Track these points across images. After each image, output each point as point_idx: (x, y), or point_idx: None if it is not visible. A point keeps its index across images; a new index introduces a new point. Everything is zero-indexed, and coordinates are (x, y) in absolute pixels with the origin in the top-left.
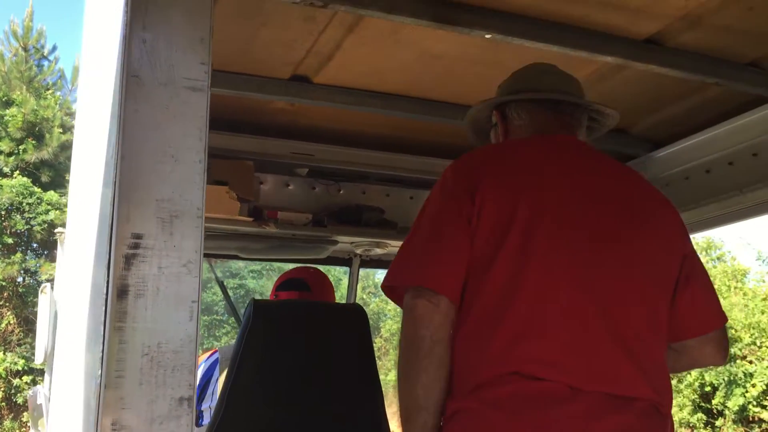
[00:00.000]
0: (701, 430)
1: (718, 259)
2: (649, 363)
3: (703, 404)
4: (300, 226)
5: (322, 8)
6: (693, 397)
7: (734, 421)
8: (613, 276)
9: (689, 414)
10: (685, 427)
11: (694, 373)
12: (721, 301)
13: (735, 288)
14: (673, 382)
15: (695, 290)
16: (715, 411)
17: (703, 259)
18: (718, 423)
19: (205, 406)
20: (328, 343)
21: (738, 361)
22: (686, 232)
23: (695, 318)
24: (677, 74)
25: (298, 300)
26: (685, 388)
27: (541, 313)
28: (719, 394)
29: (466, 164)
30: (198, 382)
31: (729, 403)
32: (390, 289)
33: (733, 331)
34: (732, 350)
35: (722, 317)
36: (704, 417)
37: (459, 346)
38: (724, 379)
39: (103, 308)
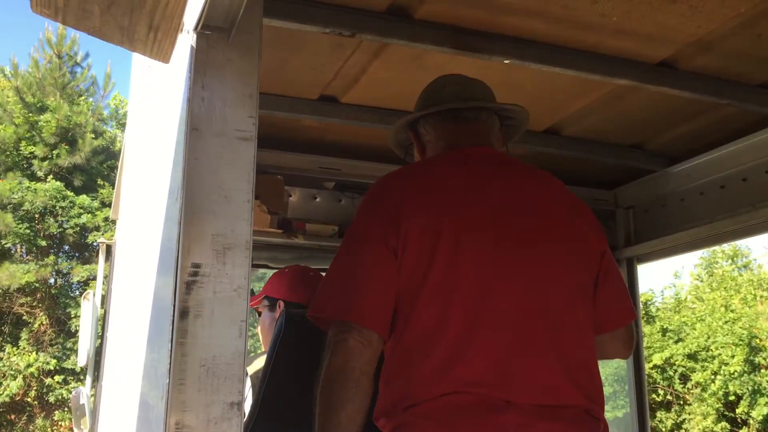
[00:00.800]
0: None
1: (745, 267)
2: (580, 369)
3: (727, 413)
4: (326, 237)
5: (350, 37)
6: (717, 406)
7: (758, 431)
8: (542, 286)
9: (713, 423)
10: None
11: (719, 382)
12: (747, 310)
13: (761, 297)
14: (697, 391)
15: (611, 288)
16: (739, 420)
17: (728, 268)
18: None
19: None
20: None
21: (762, 371)
22: (602, 232)
23: (610, 314)
24: (690, 96)
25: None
26: (709, 397)
27: (472, 336)
28: (743, 403)
29: (386, 190)
30: None
31: (753, 413)
32: (315, 317)
33: (757, 341)
34: (756, 359)
35: (632, 313)
36: (728, 426)
37: (392, 369)
38: (748, 389)
39: (170, 327)
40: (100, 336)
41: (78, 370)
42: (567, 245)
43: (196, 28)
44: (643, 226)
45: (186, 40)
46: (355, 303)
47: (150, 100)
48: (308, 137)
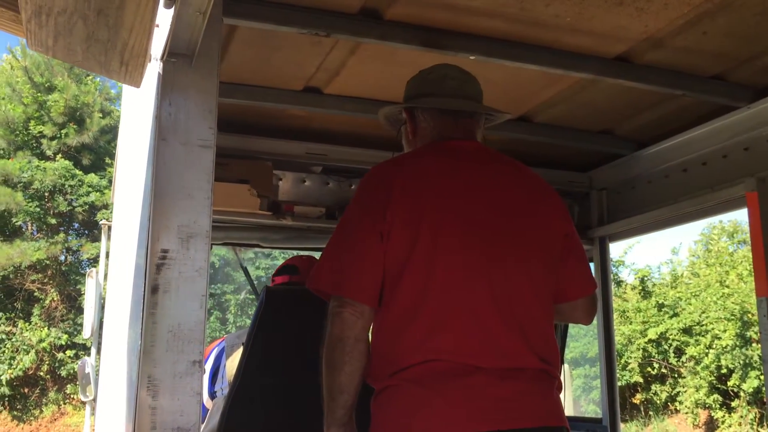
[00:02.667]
0: (717, 410)
1: (743, 242)
2: (538, 336)
3: (719, 386)
4: (314, 218)
5: (326, 37)
6: (710, 379)
7: (749, 403)
8: (508, 267)
9: (705, 395)
10: (701, 408)
11: (711, 356)
12: (741, 285)
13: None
14: (690, 364)
15: (571, 264)
16: (731, 393)
17: (726, 244)
18: (733, 404)
19: (217, 387)
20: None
21: (753, 345)
22: (567, 215)
23: (571, 286)
24: (647, 87)
25: (298, 284)
26: (701, 370)
27: (447, 310)
28: (735, 376)
29: (377, 180)
30: (210, 367)
31: (744, 385)
32: (314, 289)
33: (749, 315)
34: (748, 334)
35: (590, 287)
36: (720, 398)
37: (379, 339)
38: (740, 362)
39: (142, 300)
40: (104, 310)
41: (89, 344)
42: (533, 231)
43: (162, 57)
44: (615, 206)
45: (155, 67)
46: (348, 280)
47: (134, 106)
48: (296, 125)
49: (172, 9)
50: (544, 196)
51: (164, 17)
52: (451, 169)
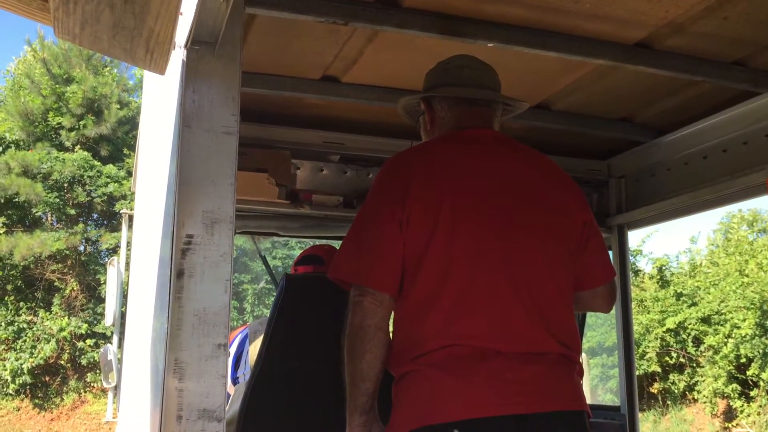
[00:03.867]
0: (736, 399)
1: (763, 231)
2: (558, 322)
3: (738, 375)
4: (332, 207)
5: (344, 25)
6: (729, 368)
7: None
8: (526, 253)
9: (724, 384)
10: (720, 397)
11: (730, 345)
12: (761, 275)
13: None
14: (709, 353)
15: (592, 252)
16: (750, 382)
17: (746, 233)
18: (752, 393)
19: (240, 373)
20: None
21: None
22: (586, 203)
23: (590, 274)
24: (667, 74)
25: (323, 274)
26: (720, 360)
27: (466, 295)
28: (754, 365)
29: (397, 169)
30: (234, 353)
31: (763, 375)
32: (335, 278)
33: None
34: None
35: (610, 274)
36: (739, 387)
37: (400, 325)
38: (759, 352)
39: (168, 285)
40: (125, 298)
41: (108, 333)
42: (552, 217)
43: (186, 45)
44: (634, 194)
45: (179, 54)
46: (369, 269)
47: (156, 95)
48: (313, 114)
49: None
50: (562, 184)
51: (188, 5)
52: (469, 157)
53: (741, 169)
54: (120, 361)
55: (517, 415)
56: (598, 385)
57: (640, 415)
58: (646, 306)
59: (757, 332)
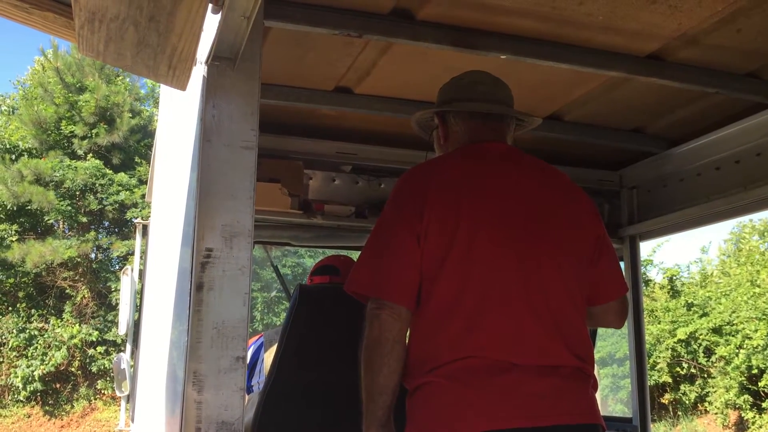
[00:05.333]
0: (747, 411)
1: None
2: (573, 335)
3: (749, 386)
4: (344, 217)
5: (358, 38)
6: (740, 380)
7: None
8: (542, 267)
9: (735, 396)
10: (731, 408)
11: (742, 356)
12: None
13: None
14: (720, 364)
15: (604, 266)
16: (762, 393)
17: (757, 243)
18: (764, 405)
19: (254, 381)
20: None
21: None
22: (598, 217)
23: (602, 289)
24: (679, 86)
25: (338, 285)
26: (732, 371)
27: (483, 308)
28: (766, 376)
29: (414, 182)
30: (248, 362)
31: None
32: (353, 292)
33: None
34: None
35: (622, 289)
36: (750, 399)
37: (416, 338)
38: None
39: (188, 298)
40: (138, 308)
41: (119, 341)
42: (566, 231)
43: (207, 60)
44: (646, 205)
45: (199, 70)
46: (386, 282)
47: (174, 109)
48: (326, 125)
49: (219, 14)
50: (575, 197)
51: (210, 22)
52: (483, 170)
53: (754, 181)
54: (133, 369)
55: (532, 427)
56: (609, 395)
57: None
58: (656, 316)
59: None
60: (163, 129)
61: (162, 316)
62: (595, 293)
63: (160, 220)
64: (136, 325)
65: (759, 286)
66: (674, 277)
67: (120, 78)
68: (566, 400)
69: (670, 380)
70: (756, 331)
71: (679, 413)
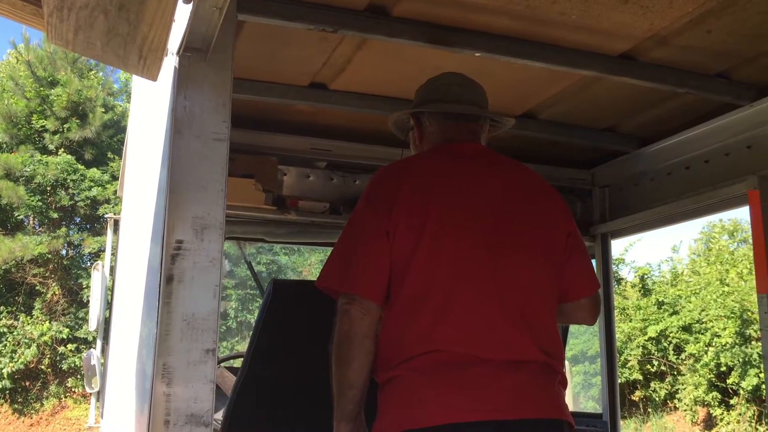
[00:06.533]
0: (716, 408)
1: (744, 241)
2: (541, 331)
3: (718, 383)
4: (318, 213)
5: (333, 33)
6: (709, 377)
7: (748, 400)
8: (511, 263)
9: (704, 393)
10: (700, 405)
11: (711, 353)
12: (741, 284)
13: None
14: (690, 362)
15: (575, 263)
16: (730, 390)
17: (727, 242)
18: (732, 401)
19: None
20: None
21: (753, 343)
22: (570, 215)
23: (574, 286)
24: (651, 85)
25: (310, 280)
26: (701, 368)
27: (450, 303)
28: (734, 373)
29: (385, 180)
30: None
31: (743, 383)
32: (323, 287)
33: (749, 313)
34: (748, 332)
35: (594, 286)
36: (719, 396)
37: (385, 332)
38: (739, 360)
39: (156, 290)
40: (109, 304)
41: (90, 338)
42: (536, 229)
43: (178, 51)
44: (617, 203)
45: (171, 61)
46: (356, 278)
47: (146, 101)
48: (301, 121)
49: (190, 4)
50: (546, 194)
51: (181, 12)
52: (454, 169)
53: (723, 180)
54: (103, 366)
55: (495, 421)
56: (581, 392)
57: (621, 422)
58: (628, 314)
59: (737, 341)
60: (134, 122)
61: (132, 311)
62: (566, 290)
63: (131, 215)
64: (107, 322)
65: (728, 285)
66: (645, 276)
67: (93, 72)
68: (531, 395)
69: (640, 377)
70: (724, 329)
71: (650, 410)
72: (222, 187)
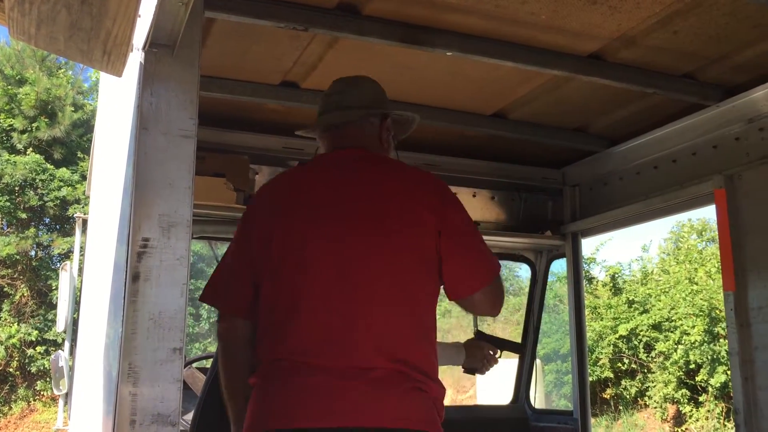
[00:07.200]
0: (685, 405)
1: (712, 240)
2: (393, 337)
3: (687, 381)
4: None
5: (303, 31)
6: (678, 374)
7: (716, 397)
8: (361, 269)
9: (674, 390)
10: (669, 402)
11: (680, 351)
12: (710, 282)
13: None
14: (660, 359)
15: (454, 262)
16: (698, 387)
17: (695, 241)
18: (701, 399)
19: None
20: None
21: (721, 341)
22: (441, 212)
23: (457, 284)
24: (619, 85)
25: None
26: (670, 366)
27: (294, 314)
28: (703, 371)
29: (256, 196)
30: None
31: (712, 380)
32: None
33: (717, 312)
34: (716, 330)
35: (482, 281)
36: (688, 393)
37: (255, 340)
38: (708, 358)
39: (123, 290)
40: (78, 304)
41: (60, 341)
42: (401, 231)
43: (144, 47)
44: (587, 203)
45: (136, 57)
46: (222, 293)
47: (112, 98)
48: (273, 119)
49: None
50: (416, 195)
51: (146, 7)
52: (309, 179)
53: (690, 179)
54: (72, 367)
55: (317, 428)
56: (553, 391)
57: (593, 420)
58: (599, 313)
59: (706, 338)
60: (101, 118)
61: (98, 312)
62: (453, 288)
63: (98, 213)
64: (76, 323)
65: (696, 284)
66: (616, 275)
67: (62, 71)
68: (366, 403)
69: (611, 375)
70: (693, 327)
71: (620, 408)
72: (189, 184)
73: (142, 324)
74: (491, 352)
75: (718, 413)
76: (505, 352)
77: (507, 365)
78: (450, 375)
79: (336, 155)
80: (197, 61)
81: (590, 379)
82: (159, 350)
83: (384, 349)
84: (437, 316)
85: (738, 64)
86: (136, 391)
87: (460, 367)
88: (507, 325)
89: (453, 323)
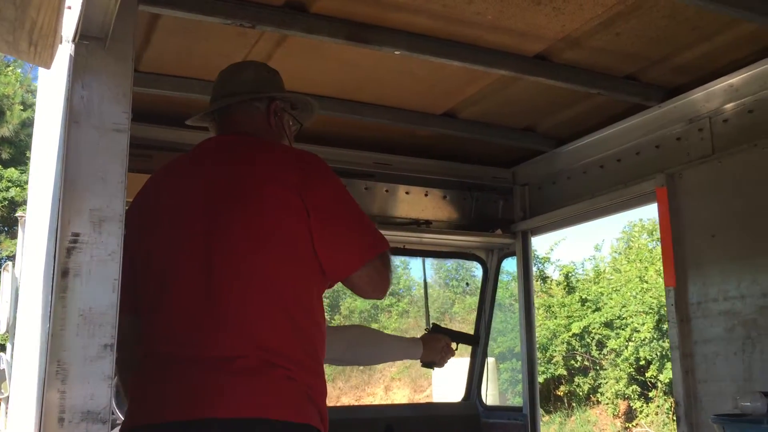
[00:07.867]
0: (636, 400)
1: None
2: (257, 325)
3: (637, 377)
4: None
5: (251, 29)
6: (629, 371)
7: (665, 393)
8: (224, 254)
9: (625, 386)
10: (621, 399)
11: (630, 348)
12: (660, 281)
13: None
14: (611, 356)
15: (326, 241)
16: (648, 383)
17: (645, 241)
18: (651, 394)
19: None
20: None
21: None
22: (306, 191)
23: (333, 266)
24: (565, 86)
25: None
26: (621, 362)
27: (161, 303)
28: (653, 367)
29: (141, 189)
30: None
31: (661, 376)
32: None
33: (666, 309)
34: (665, 326)
35: (360, 259)
36: (638, 389)
37: None
38: (657, 354)
39: (51, 286)
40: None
41: (2, 342)
42: (265, 215)
43: (74, 39)
44: (536, 201)
45: (67, 49)
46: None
47: (47, 92)
48: None
49: None
50: (281, 177)
51: None
52: (175, 169)
53: (633, 178)
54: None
55: (183, 421)
56: (508, 389)
57: (547, 417)
58: (553, 312)
59: (655, 335)
60: (39, 114)
61: (33, 311)
62: (329, 269)
63: (34, 211)
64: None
65: (647, 282)
66: (570, 274)
67: (11, 69)
68: (220, 393)
69: (565, 373)
70: (643, 324)
71: (574, 404)
72: (122, 179)
73: (71, 320)
74: (448, 345)
75: (667, 408)
76: (461, 348)
77: (461, 363)
78: (407, 375)
79: (212, 141)
80: (131, 55)
81: (545, 376)
82: (89, 347)
83: (250, 338)
84: (405, 318)
85: (678, 66)
86: (65, 389)
87: (419, 361)
88: (464, 324)
89: (410, 323)
